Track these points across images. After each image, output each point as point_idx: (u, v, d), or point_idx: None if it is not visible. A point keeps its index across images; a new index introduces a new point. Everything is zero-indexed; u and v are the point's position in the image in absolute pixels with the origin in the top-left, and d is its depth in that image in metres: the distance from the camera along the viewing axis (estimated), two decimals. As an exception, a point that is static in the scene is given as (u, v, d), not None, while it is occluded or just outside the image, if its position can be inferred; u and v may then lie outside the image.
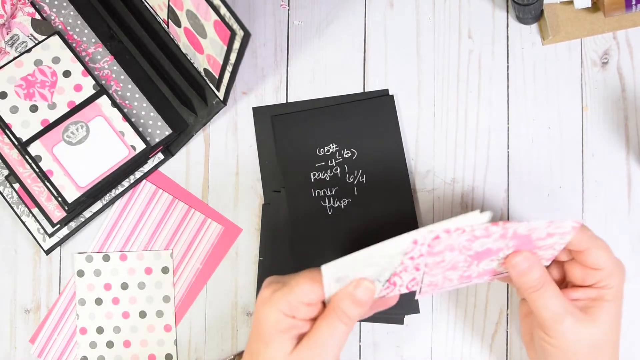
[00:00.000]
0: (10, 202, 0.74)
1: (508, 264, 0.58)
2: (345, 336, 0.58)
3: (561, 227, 0.56)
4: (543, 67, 0.74)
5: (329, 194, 0.73)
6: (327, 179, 0.73)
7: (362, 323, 0.73)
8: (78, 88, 0.73)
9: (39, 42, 0.73)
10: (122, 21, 0.76)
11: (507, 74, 0.74)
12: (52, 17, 0.76)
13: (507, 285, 0.72)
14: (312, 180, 0.73)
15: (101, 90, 0.73)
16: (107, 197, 0.74)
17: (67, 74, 0.73)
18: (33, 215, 0.74)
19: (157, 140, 0.74)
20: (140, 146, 0.72)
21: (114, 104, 0.73)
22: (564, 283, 0.63)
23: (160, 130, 0.74)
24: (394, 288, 0.60)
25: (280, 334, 0.57)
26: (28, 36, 0.75)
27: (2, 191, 0.74)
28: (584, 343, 0.58)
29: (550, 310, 0.58)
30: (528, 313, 0.64)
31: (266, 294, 0.58)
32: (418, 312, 0.72)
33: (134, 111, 0.74)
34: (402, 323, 0.72)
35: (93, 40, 0.75)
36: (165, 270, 0.74)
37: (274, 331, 0.57)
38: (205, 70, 0.71)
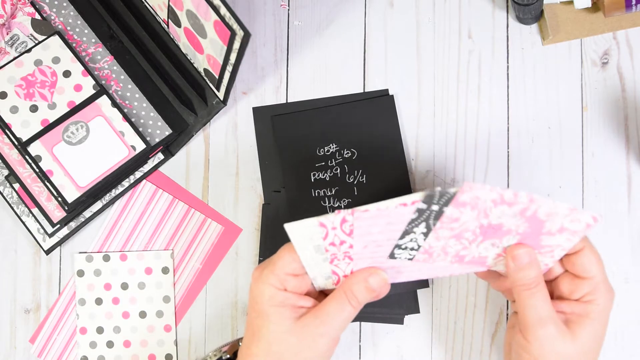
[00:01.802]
0: (10, 202, 0.74)
1: (509, 254, 0.58)
2: (350, 318, 0.60)
3: (578, 220, 0.55)
4: (543, 67, 0.74)
5: (329, 194, 0.73)
6: (327, 179, 0.73)
7: (362, 323, 0.73)
8: (78, 88, 0.73)
9: (39, 42, 0.73)
10: (122, 21, 0.76)
11: (507, 74, 0.74)
12: (52, 17, 0.76)
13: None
14: (312, 180, 0.73)
15: (101, 90, 0.73)
16: (107, 197, 0.74)
17: (67, 74, 0.73)
18: (33, 215, 0.74)
19: (157, 140, 0.74)
20: (140, 146, 0.72)
21: (114, 104, 0.73)
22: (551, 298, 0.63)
23: (160, 130, 0.74)
24: (337, 278, 0.60)
25: (277, 307, 0.59)
26: (28, 36, 0.75)
27: (2, 191, 0.74)
28: (557, 356, 0.58)
29: (536, 313, 0.58)
30: (515, 324, 0.64)
31: (256, 273, 0.60)
32: (418, 312, 0.72)
33: (134, 111, 0.74)
34: (402, 323, 0.72)
35: (93, 40, 0.75)
36: (165, 270, 0.74)
37: (271, 305, 0.59)
38: (205, 70, 0.71)
